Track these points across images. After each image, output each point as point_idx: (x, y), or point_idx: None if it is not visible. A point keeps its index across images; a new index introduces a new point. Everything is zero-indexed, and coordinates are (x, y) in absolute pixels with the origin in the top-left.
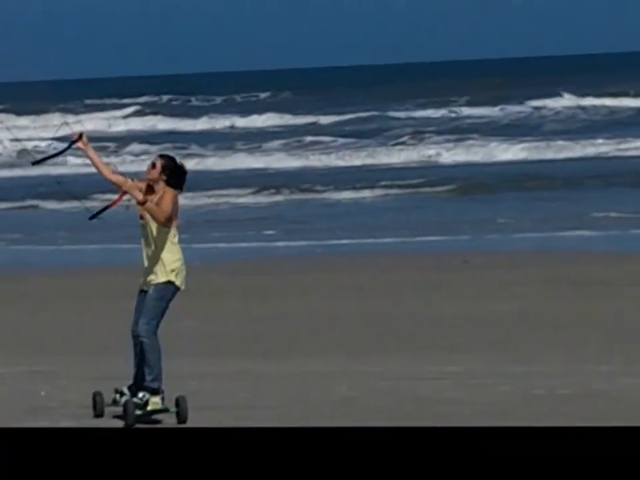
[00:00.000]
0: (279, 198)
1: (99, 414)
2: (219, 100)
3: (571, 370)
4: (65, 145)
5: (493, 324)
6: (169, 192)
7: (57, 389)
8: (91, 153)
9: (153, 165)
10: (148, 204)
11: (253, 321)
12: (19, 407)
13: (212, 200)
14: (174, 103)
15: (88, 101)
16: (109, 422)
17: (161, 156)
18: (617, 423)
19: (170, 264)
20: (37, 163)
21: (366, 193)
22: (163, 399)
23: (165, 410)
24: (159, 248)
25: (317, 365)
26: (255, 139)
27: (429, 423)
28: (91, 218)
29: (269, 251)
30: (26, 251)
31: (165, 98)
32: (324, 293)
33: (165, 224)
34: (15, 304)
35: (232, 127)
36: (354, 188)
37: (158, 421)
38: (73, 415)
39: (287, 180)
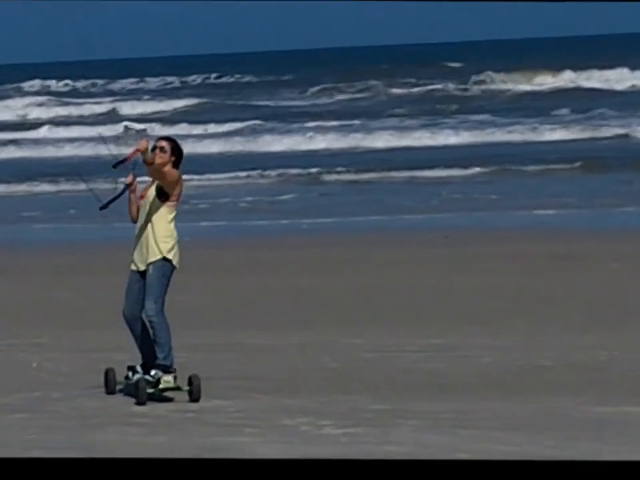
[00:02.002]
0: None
1: (110, 391)
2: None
3: (552, 342)
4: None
5: (475, 298)
6: (175, 170)
7: (47, 360)
8: (133, 196)
9: (162, 149)
10: (157, 164)
11: (242, 296)
12: (11, 379)
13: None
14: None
15: None
16: (121, 399)
17: (165, 139)
18: (600, 394)
19: (167, 243)
20: (104, 207)
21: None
22: (175, 378)
23: (177, 388)
24: (158, 227)
25: (302, 337)
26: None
27: (411, 393)
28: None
29: (257, 229)
30: (16, 228)
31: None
32: (311, 268)
33: (171, 186)
34: (3, 279)
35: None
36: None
37: (170, 399)
38: (63, 385)
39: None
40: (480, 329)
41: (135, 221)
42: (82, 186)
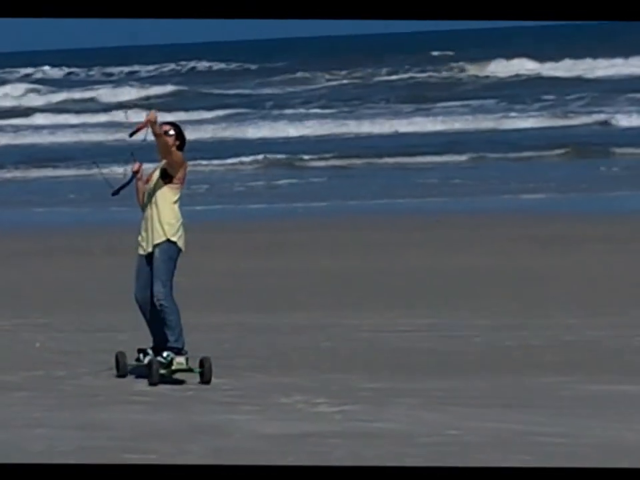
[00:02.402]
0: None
1: (121, 374)
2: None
3: (540, 323)
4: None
5: (466, 280)
6: (180, 153)
7: (51, 340)
8: (140, 183)
9: (166, 133)
10: (164, 137)
11: (238, 277)
12: (15, 358)
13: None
14: None
15: None
16: (133, 381)
17: (169, 123)
18: (587, 372)
19: (172, 225)
20: (115, 193)
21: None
22: (187, 359)
23: (189, 370)
24: (162, 209)
25: (298, 318)
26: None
27: (404, 372)
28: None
29: (251, 212)
30: (20, 211)
31: None
32: (306, 251)
33: (176, 167)
34: (8, 261)
35: None
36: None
37: (181, 381)
38: (66, 364)
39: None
40: (470, 310)
41: (143, 208)
42: (79, 171)
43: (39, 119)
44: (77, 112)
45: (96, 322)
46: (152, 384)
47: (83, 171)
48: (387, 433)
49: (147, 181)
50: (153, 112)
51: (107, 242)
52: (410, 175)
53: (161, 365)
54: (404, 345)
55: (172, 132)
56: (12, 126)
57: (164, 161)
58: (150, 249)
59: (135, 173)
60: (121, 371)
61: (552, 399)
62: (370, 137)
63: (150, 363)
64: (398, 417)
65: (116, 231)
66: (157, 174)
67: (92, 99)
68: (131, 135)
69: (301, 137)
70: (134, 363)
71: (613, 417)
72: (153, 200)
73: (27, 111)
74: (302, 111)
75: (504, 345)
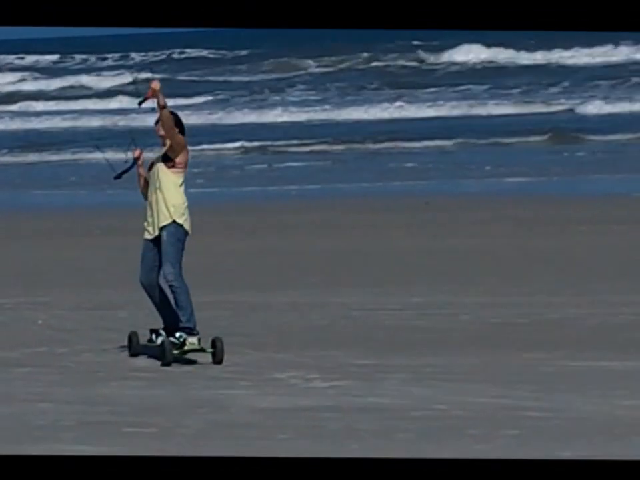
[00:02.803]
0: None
1: (134, 353)
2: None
3: (525, 301)
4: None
5: (454, 259)
6: (181, 136)
7: (52, 317)
8: (142, 169)
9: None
10: (166, 110)
11: (233, 257)
12: (17, 335)
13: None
14: None
15: None
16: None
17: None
18: (572, 349)
19: (178, 207)
20: (118, 177)
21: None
22: (199, 339)
23: (201, 350)
24: (167, 192)
25: (292, 297)
26: None
27: (395, 348)
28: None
29: (246, 195)
30: (19, 194)
31: None
32: (300, 232)
33: (178, 149)
34: (9, 242)
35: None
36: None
37: (194, 361)
38: (67, 341)
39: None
40: (459, 289)
41: (143, 193)
42: (75, 156)
43: (36, 106)
44: (68, 98)
45: (96, 300)
46: (165, 364)
47: (79, 156)
48: (379, 407)
49: (150, 168)
50: (156, 81)
51: (107, 223)
52: (399, 159)
53: (174, 345)
54: (394, 323)
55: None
56: (7, 112)
57: (164, 148)
58: (156, 232)
59: (136, 159)
60: (134, 350)
61: (536, 374)
62: (359, 122)
63: (162, 343)
64: (389, 392)
65: (116, 213)
66: (158, 160)
67: (84, 86)
68: (140, 103)
69: (293, 122)
70: (146, 342)
71: (594, 392)
72: (157, 185)
73: (20, 98)
74: (293, 98)
75: (490, 322)
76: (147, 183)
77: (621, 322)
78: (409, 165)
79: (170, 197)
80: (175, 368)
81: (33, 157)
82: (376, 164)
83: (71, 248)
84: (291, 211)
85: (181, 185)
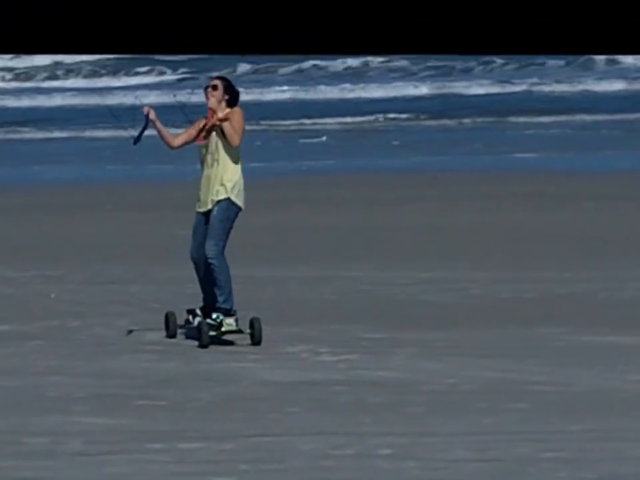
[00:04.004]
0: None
1: (171, 334)
2: None
3: (533, 277)
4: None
5: (463, 234)
6: (237, 111)
7: (65, 292)
8: (158, 124)
9: (214, 87)
10: (227, 124)
11: (243, 232)
12: (30, 308)
13: None
14: None
15: None
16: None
17: (219, 78)
18: (581, 323)
19: (233, 183)
20: (136, 141)
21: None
22: (237, 320)
23: (238, 331)
24: (223, 167)
25: (303, 271)
26: None
27: (405, 323)
28: (135, 142)
29: (253, 171)
30: (36, 169)
31: None
32: (310, 207)
33: (238, 145)
34: (22, 216)
35: None
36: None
37: (231, 342)
38: (80, 314)
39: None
40: (468, 264)
41: (171, 147)
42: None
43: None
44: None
45: (108, 275)
46: (202, 346)
47: (88, 133)
48: (389, 381)
49: (201, 129)
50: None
51: (118, 199)
52: (408, 134)
53: (211, 326)
54: (404, 298)
55: (220, 86)
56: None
57: (221, 113)
58: (209, 206)
59: (147, 116)
60: (171, 331)
61: (545, 349)
62: (371, 100)
63: (199, 325)
64: (399, 366)
65: (127, 188)
66: (219, 134)
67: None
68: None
69: (302, 100)
70: (184, 323)
71: (603, 366)
72: (216, 157)
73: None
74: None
75: (499, 297)
76: (171, 138)
77: (630, 297)
78: (419, 139)
79: (228, 173)
80: (186, 341)
81: (40, 134)
82: (385, 139)
83: (82, 223)
84: (301, 185)
85: (238, 162)
